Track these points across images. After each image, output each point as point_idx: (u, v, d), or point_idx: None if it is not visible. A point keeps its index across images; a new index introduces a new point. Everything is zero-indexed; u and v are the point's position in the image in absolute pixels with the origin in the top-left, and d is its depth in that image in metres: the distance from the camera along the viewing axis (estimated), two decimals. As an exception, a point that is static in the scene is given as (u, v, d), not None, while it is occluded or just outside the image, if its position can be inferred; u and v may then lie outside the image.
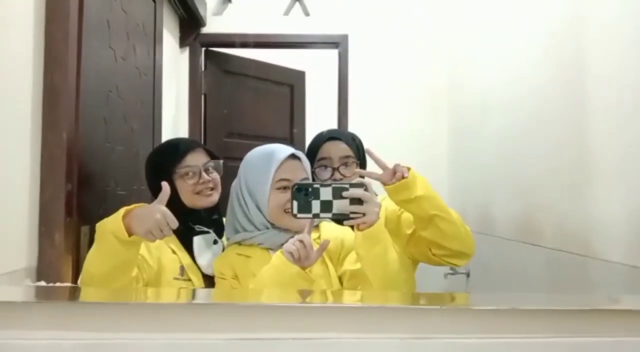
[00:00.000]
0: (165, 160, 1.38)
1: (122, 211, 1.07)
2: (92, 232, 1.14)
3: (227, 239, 1.33)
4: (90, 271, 1.10)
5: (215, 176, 1.41)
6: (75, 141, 1.26)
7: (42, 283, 1.16)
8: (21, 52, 1.15)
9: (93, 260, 1.09)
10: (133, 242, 1.06)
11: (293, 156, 1.26)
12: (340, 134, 1.51)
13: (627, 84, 1.26)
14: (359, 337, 0.72)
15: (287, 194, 1.19)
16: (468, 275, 2.30)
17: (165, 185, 1.14)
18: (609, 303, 0.77)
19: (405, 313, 0.73)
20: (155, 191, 1.24)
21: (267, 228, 1.25)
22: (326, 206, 1.11)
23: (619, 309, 0.75)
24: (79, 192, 1.29)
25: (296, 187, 1.11)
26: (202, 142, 2.75)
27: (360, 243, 1.10)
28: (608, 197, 1.34)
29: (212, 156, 1.43)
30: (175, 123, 2.53)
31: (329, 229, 1.27)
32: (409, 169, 1.26)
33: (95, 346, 0.71)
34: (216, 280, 1.27)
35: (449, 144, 2.78)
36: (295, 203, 1.10)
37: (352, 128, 2.70)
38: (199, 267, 1.33)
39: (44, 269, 1.19)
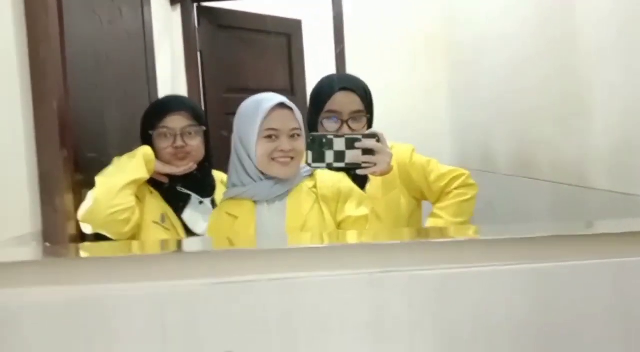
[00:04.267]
0: (149, 117, 1.41)
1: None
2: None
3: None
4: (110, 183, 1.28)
5: (195, 143, 1.38)
6: (66, 109, 1.29)
7: (47, 245, 1.22)
8: (3, 27, 1.17)
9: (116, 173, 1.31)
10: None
11: (282, 105, 1.24)
12: (353, 85, 1.44)
13: (610, 17, 1.24)
14: (330, 275, 0.76)
15: (274, 143, 1.23)
16: (473, 212, 2.33)
17: None
18: (562, 230, 0.79)
19: (371, 249, 0.77)
20: (144, 143, 1.39)
21: (261, 179, 1.27)
22: (339, 156, 1.17)
23: (573, 235, 0.77)
24: (76, 157, 1.33)
25: (311, 138, 1.18)
26: (202, 99, 2.76)
27: (378, 187, 1.16)
28: (596, 128, 1.35)
29: (200, 121, 1.40)
30: (173, 82, 2.54)
31: (325, 177, 1.28)
32: None
33: (85, 298, 0.76)
34: None
35: (448, 85, 2.76)
36: (309, 153, 1.18)
37: (350, 72, 2.68)
38: (182, 222, 1.38)
39: (49, 233, 1.25)
